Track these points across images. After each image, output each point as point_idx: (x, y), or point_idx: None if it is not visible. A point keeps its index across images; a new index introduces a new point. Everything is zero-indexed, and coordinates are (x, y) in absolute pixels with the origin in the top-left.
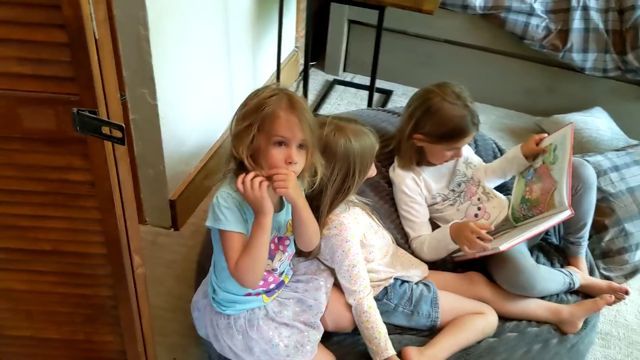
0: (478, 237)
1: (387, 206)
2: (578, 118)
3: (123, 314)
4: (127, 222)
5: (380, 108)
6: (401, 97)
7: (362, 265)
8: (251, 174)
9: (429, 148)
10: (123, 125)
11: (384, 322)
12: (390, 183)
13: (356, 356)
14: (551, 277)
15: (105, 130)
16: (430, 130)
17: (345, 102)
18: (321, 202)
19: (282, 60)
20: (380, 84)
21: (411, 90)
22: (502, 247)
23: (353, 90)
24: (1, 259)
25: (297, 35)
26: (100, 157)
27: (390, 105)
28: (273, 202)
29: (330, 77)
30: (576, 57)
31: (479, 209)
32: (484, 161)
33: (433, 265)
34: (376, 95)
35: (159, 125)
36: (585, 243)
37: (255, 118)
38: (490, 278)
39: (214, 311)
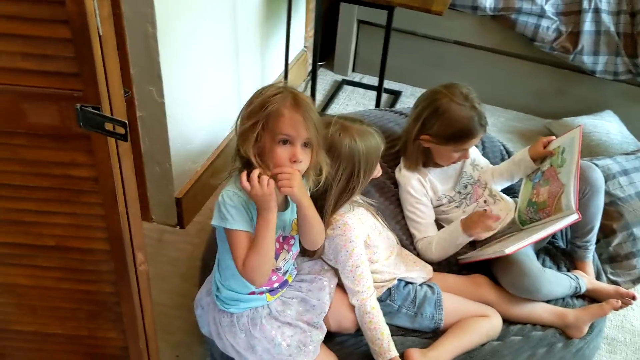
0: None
1: (392, 207)
2: (588, 121)
3: (125, 311)
4: (130, 219)
5: (387, 108)
6: (410, 98)
7: (365, 265)
8: (256, 171)
9: (436, 149)
10: (126, 121)
11: (387, 324)
12: (395, 184)
13: (359, 357)
14: (557, 281)
15: (109, 126)
16: (438, 131)
17: (354, 102)
18: (325, 201)
19: (290, 60)
20: (389, 84)
21: (420, 91)
22: (508, 251)
23: (362, 90)
24: (5, 254)
25: (306, 35)
26: (104, 154)
27: (399, 106)
28: (278, 201)
29: (339, 77)
30: (587, 59)
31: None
32: (492, 163)
33: (438, 267)
34: (385, 96)
35: (166, 123)
36: (592, 247)
37: (260, 116)
38: (495, 281)
39: (217, 309)
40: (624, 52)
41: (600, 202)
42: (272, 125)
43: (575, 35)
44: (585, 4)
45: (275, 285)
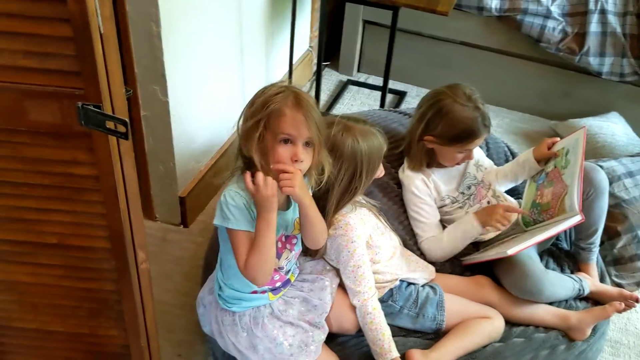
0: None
1: (395, 207)
2: (594, 123)
3: (127, 309)
4: (131, 217)
5: (391, 109)
6: (415, 98)
7: (367, 266)
8: (261, 174)
9: (439, 150)
10: (127, 120)
11: (389, 324)
12: (398, 184)
13: (360, 357)
14: (560, 283)
15: (110, 124)
16: (441, 132)
17: (359, 102)
18: (328, 201)
19: (295, 59)
20: (394, 85)
21: (425, 92)
22: (510, 252)
23: (367, 90)
24: (7, 252)
25: (311, 35)
26: (105, 152)
27: (404, 107)
28: (280, 201)
29: (344, 78)
30: (593, 61)
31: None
32: (496, 164)
33: (440, 268)
34: (390, 96)
35: (170, 122)
36: (596, 249)
37: (262, 115)
38: (497, 282)
39: (219, 308)
40: (630, 53)
41: (604, 204)
42: (274, 124)
43: (581, 37)
44: (591, 5)
45: (278, 284)
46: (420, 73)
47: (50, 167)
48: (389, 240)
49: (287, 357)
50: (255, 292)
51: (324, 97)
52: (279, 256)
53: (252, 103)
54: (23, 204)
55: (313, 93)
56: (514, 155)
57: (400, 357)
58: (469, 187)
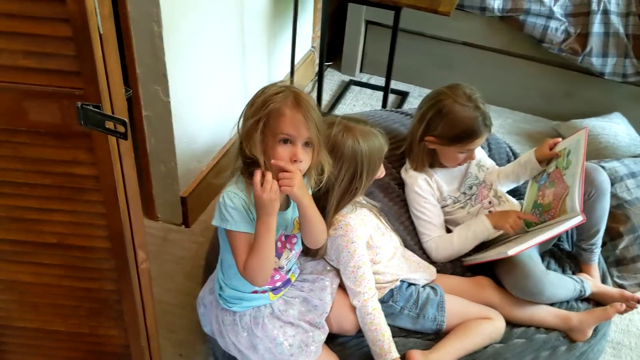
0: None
1: (396, 208)
2: (596, 123)
3: (127, 309)
4: (131, 217)
5: (393, 109)
6: (417, 98)
7: (367, 266)
8: (269, 175)
9: (441, 150)
10: (126, 120)
11: (389, 325)
12: (400, 185)
13: (360, 358)
14: (561, 284)
15: (109, 124)
16: (442, 132)
17: (361, 102)
18: (328, 202)
19: (297, 60)
20: (396, 85)
21: (428, 92)
22: (511, 252)
23: (369, 91)
24: (8, 251)
25: (313, 35)
26: (105, 152)
27: (406, 107)
28: (279, 201)
29: (347, 78)
30: (595, 61)
31: (490, 212)
32: (497, 164)
33: (441, 269)
34: (392, 97)
35: (172, 123)
36: (597, 250)
37: (261, 115)
38: (498, 283)
39: (219, 307)
40: (633, 53)
41: (606, 204)
42: (273, 124)
43: (583, 37)
44: (594, 6)
45: (278, 284)
46: (422, 73)
47: (50, 167)
48: (390, 241)
49: (287, 357)
50: (255, 292)
51: (326, 97)
52: (279, 255)
53: (252, 103)
54: (23, 204)
55: (315, 93)
56: (515, 155)
57: (401, 358)
58: (471, 188)
